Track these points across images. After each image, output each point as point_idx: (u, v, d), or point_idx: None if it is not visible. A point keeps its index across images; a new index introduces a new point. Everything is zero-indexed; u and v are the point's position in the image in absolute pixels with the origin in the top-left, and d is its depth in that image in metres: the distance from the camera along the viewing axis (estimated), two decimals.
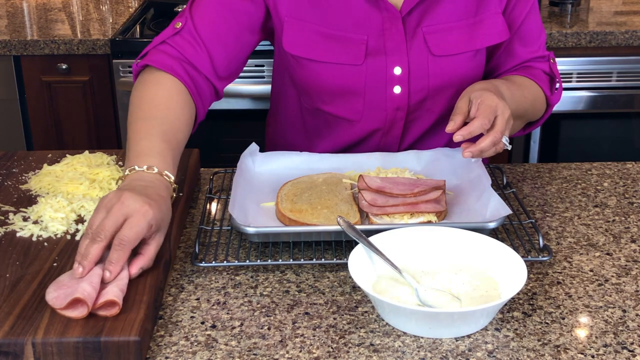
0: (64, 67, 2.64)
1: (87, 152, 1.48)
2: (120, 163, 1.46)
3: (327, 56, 1.43)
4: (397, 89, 1.45)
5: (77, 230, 1.23)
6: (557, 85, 1.54)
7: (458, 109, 1.28)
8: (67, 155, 1.48)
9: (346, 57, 1.43)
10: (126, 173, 1.19)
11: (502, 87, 1.38)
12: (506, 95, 1.36)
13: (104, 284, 1.04)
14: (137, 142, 1.24)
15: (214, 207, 1.39)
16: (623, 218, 1.36)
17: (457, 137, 1.24)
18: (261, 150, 1.49)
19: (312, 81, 1.46)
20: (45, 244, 1.20)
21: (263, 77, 2.57)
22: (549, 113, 1.55)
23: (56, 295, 1.02)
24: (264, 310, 1.10)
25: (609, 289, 1.15)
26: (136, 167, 1.18)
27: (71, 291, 1.01)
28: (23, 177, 1.42)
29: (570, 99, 2.67)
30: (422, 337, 1.03)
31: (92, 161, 1.44)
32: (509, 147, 1.28)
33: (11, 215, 1.28)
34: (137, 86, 1.37)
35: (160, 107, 1.31)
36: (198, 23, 1.41)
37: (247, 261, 1.20)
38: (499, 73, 1.55)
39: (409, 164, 1.44)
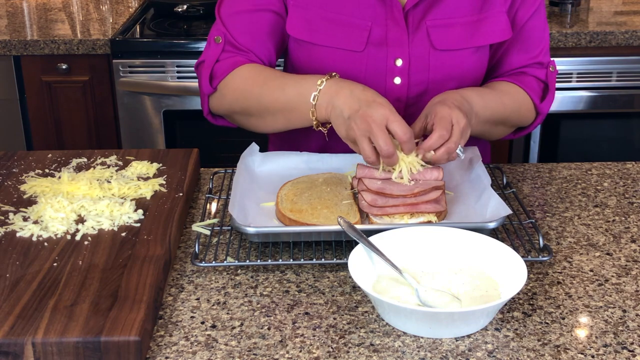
0: (64, 67, 2.64)
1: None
2: (121, 163, 1.47)
3: (329, 40, 1.45)
4: (397, 80, 1.46)
5: (77, 230, 1.23)
6: (548, 94, 1.52)
7: (415, 129, 1.31)
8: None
9: (348, 42, 1.44)
10: (318, 91, 1.31)
11: (471, 95, 1.38)
12: (476, 103, 1.37)
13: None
14: (289, 85, 1.37)
15: (214, 207, 1.39)
16: (623, 218, 1.36)
17: (419, 153, 1.27)
18: (262, 150, 1.49)
19: (313, 66, 1.47)
20: (45, 244, 1.20)
21: None
22: (539, 121, 1.53)
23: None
24: (264, 310, 1.10)
25: (609, 289, 1.15)
26: (322, 79, 1.32)
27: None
28: (23, 177, 1.42)
29: (570, 99, 2.67)
30: (422, 337, 1.03)
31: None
32: (462, 157, 1.29)
33: (11, 215, 1.28)
34: (227, 86, 1.44)
35: (262, 72, 1.43)
36: (235, 34, 1.47)
37: (247, 261, 1.20)
38: (494, 76, 1.54)
39: None
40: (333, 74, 1.34)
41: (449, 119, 1.27)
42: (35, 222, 1.26)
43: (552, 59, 1.55)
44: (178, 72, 2.60)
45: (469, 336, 1.04)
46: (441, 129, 1.26)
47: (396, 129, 1.23)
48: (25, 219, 1.27)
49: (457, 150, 1.28)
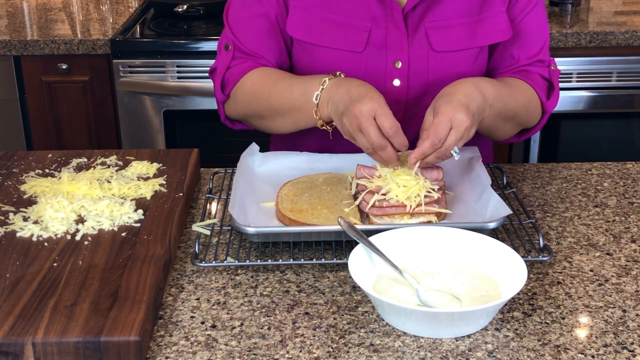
0: (64, 67, 2.64)
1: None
2: (121, 163, 1.47)
3: (329, 41, 1.45)
4: (396, 82, 1.46)
5: (77, 230, 1.23)
6: (553, 92, 1.51)
7: (425, 123, 1.28)
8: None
9: (347, 43, 1.44)
10: (320, 90, 1.33)
11: (486, 85, 1.34)
12: (490, 93, 1.33)
13: None
14: (296, 86, 1.39)
15: (214, 207, 1.39)
16: (623, 218, 1.36)
17: (411, 161, 1.27)
18: (262, 150, 1.49)
19: (314, 67, 1.47)
20: (45, 244, 1.20)
21: None
22: (544, 120, 1.52)
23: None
24: (264, 310, 1.10)
25: (609, 289, 1.15)
26: (326, 79, 1.34)
27: None
28: (23, 177, 1.42)
29: (570, 99, 2.67)
30: (422, 337, 1.03)
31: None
32: (457, 157, 1.26)
33: (11, 215, 1.28)
34: (239, 91, 1.46)
35: (272, 75, 1.45)
36: (243, 40, 1.48)
37: (247, 261, 1.20)
38: (496, 75, 1.53)
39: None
40: (338, 73, 1.36)
41: (446, 123, 1.24)
42: (35, 222, 1.26)
43: (552, 58, 1.55)
44: (178, 72, 2.60)
45: (469, 336, 1.04)
46: (434, 137, 1.24)
47: (383, 122, 1.24)
48: (25, 219, 1.27)
49: (452, 151, 1.25)
